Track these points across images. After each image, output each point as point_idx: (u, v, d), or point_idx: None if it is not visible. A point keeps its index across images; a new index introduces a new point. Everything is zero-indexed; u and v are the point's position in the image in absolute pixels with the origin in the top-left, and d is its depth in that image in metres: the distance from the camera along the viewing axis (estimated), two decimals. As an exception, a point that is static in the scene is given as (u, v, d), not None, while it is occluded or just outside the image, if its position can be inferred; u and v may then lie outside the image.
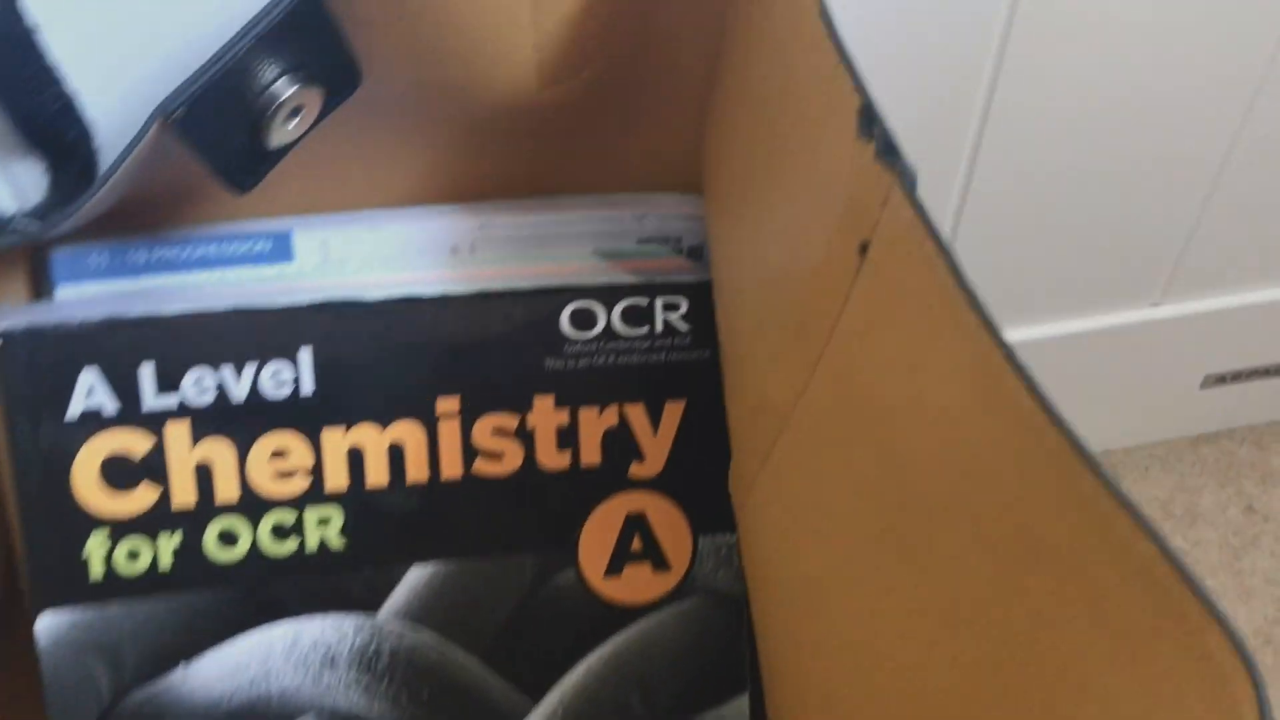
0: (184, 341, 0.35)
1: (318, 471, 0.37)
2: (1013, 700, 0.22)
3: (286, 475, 0.37)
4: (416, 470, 0.38)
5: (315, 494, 0.37)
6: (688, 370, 0.39)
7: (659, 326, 0.38)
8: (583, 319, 0.38)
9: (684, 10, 0.37)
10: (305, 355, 0.36)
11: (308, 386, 0.36)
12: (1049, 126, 0.51)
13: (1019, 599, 0.22)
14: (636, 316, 0.38)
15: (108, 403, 0.35)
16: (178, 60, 0.36)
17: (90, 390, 0.35)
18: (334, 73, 0.34)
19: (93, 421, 0.35)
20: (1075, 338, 0.62)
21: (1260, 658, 0.61)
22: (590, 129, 0.39)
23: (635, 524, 0.39)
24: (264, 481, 0.37)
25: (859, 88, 0.25)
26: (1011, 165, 0.52)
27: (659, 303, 0.38)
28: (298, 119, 0.34)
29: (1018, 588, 0.22)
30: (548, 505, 0.39)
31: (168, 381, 0.35)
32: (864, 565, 0.28)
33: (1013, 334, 0.60)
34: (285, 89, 0.33)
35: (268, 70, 0.33)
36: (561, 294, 0.38)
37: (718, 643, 0.41)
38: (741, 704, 0.41)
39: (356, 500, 0.37)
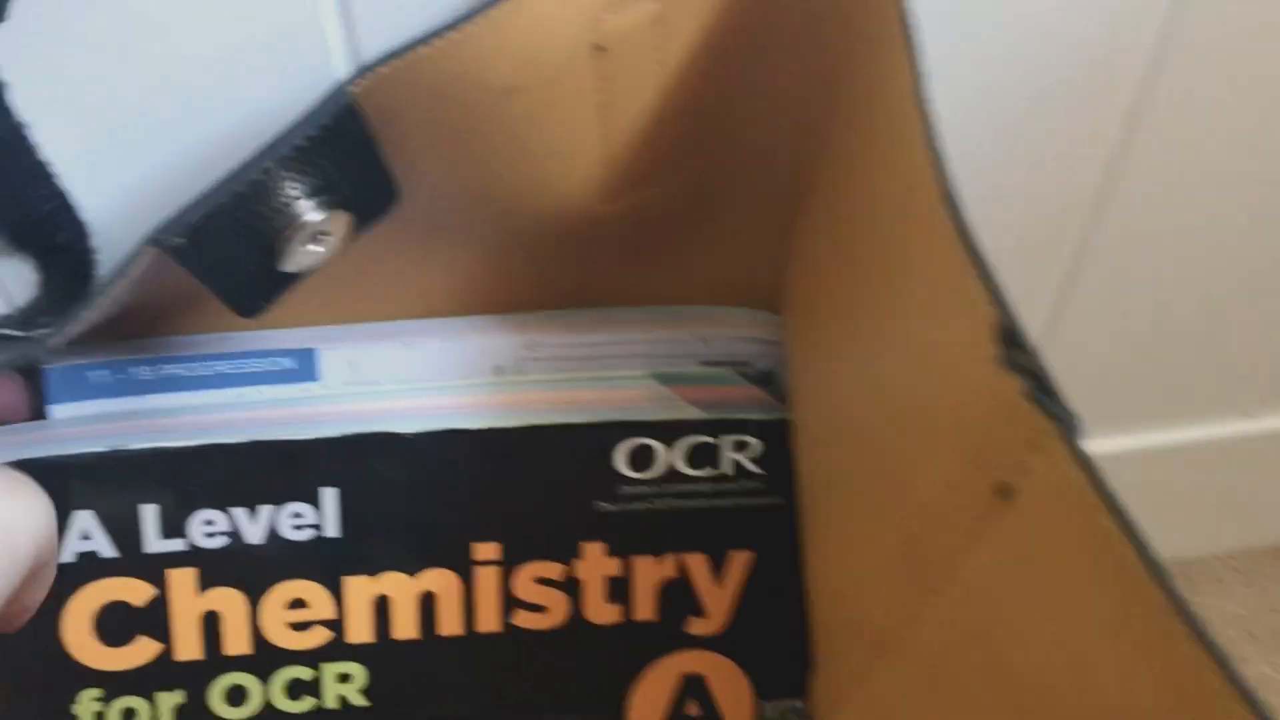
0: (193, 480, 0.31)
1: (339, 623, 0.33)
2: None
3: (303, 626, 0.33)
4: (450, 623, 0.33)
5: (335, 648, 0.33)
6: (758, 518, 0.34)
7: (727, 468, 0.34)
8: (641, 458, 0.33)
9: (769, 130, 0.32)
10: (329, 496, 0.32)
11: (331, 530, 0.32)
12: (1160, 235, 0.45)
13: None
14: (702, 456, 0.33)
15: (104, 546, 0.31)
16: (187, 155, 0.31)
17: (85, 533, 0.31)
18: (368, 193, 0.29)
19: (87, 567, 0.31)
20: (1166, 450, 0.56)
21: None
22: (652, 242, 0.34)
23: (692, 686, 0.35)
24: (278, 633, 0.32)
25: (998, 302, 0.20)
26: (1112, 273, 0.46)
27: (727, 441, 0.34)
28: (322, 245, 0.29)
29: None
30: (595, 663, 0.34)
31: (173, 524, 0.31)
32: None
33: (1098, 445, 0.55)
34: (308, 212, 0.28)
35: (289, 188, 0.28)
36: (618, 429, 0.33)
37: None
38: None
39: (382, 655, 0.33)
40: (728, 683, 0.35)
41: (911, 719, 0.26)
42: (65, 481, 0.31)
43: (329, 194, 0.28)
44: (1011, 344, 0.19)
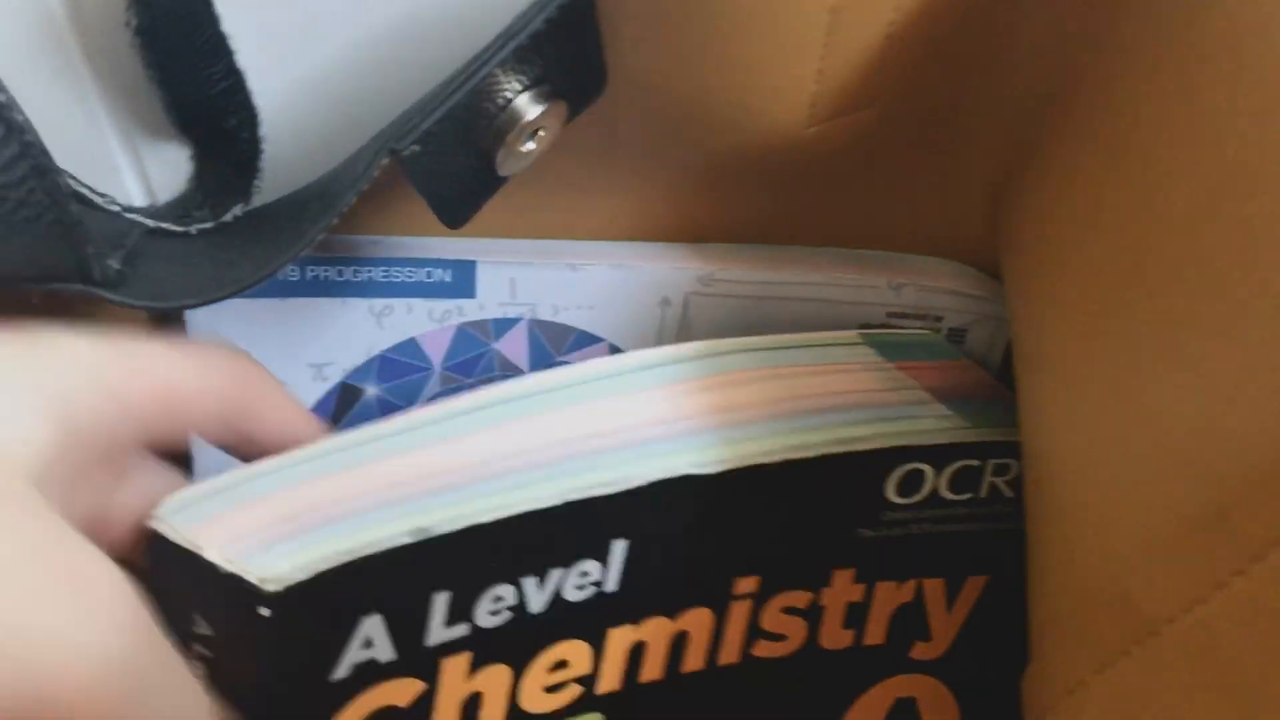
0: (501, 552, 0.25)
1: (592, 677, 0.28)
2: None
3: (557, 688, 0.28)
4: (694, 659, 0.29)
5: (584, 701, 0.28)
6: (1000, 542, 0.31)
7: (984, 492, 0.31)
8: (911, 483, 0.30)
9: (1025, 52, 0.29)
10: (619, 548, 0.27)
11: (612, 584, 0.27)
12: None
13: None
14: (966, 481, 0.30)
15: (385, 650, 0.25)
16: (366, 45, 0.27)
17: (369, 640, 0.25)
18: (583, 81, 0.26)
19: (365, 675, 0.25)
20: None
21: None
22: (850, 175, 0.31)
23: (903, 708, 0.32)
24: (532, 699, 0.27)
25: None
26: None
27: (990, 465, 0.31)
28: (535, 141, 0.25)
29: None
30: (819, 687, 0.31)
31: (461, 609, 0.25)
32: None
33: None
34: (531, 108, 0.24)
35: (511, 84, 0.24)
36: (895, 455, 0.29)
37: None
38: None
39: (624, 700, 0.29)
40: (937, 706, 0.32)
41: (1174, 713, 0.24)
42: (350, 582, 0.24)
43: (549, 84, 0.24)
44: None
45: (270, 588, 0.23)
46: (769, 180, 0.30)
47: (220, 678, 0.24)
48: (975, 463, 0.29)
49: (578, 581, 0.26)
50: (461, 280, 0.31)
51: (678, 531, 0.27)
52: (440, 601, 0.24)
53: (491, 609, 0.25)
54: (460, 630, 0.25)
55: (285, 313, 0.30)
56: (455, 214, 0.24)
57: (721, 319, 0.33)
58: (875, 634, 0.30)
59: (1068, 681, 0.26)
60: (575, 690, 0.27)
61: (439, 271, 0.30)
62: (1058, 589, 0.28)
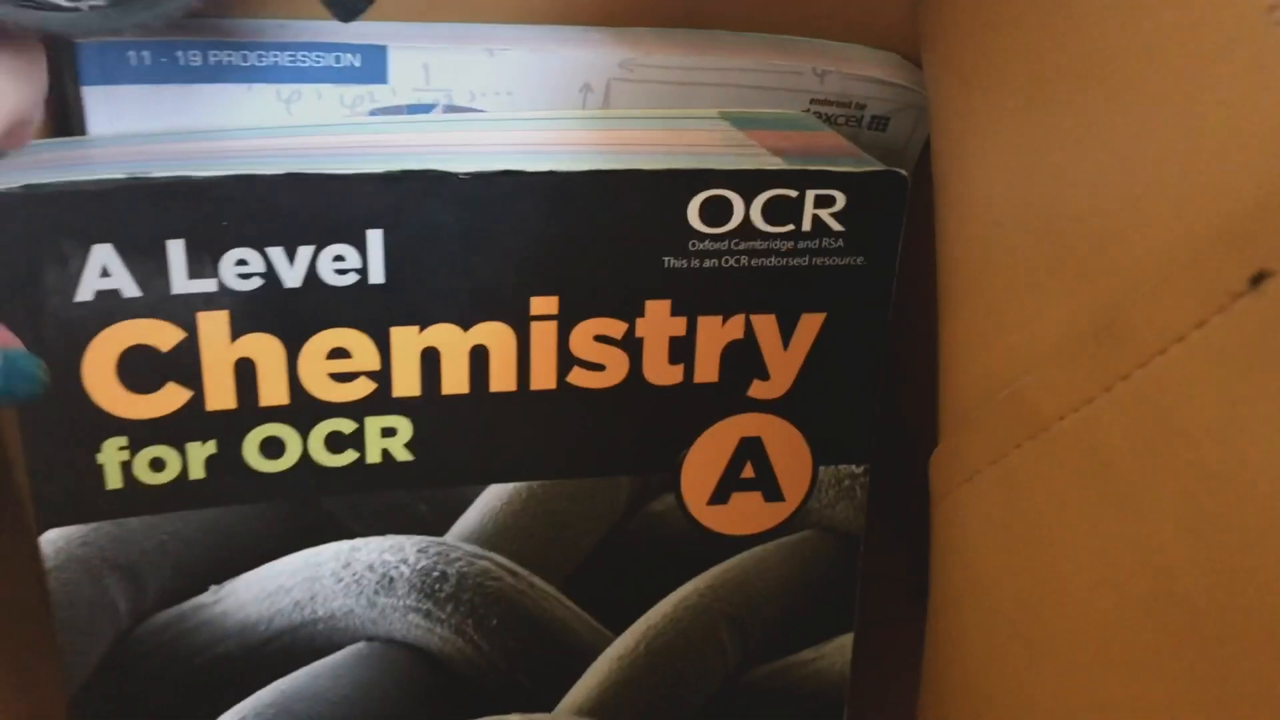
0: (225, 214, 0.28)
1: (384, 375, 0.30)
2: None
3: (346, 378, 0.30)
4: (502, 378, 0.31)
5: (380, 400, 0.30)
6: (835, 279, 0.32)
7: (807, 225, 0.31)
8: (715, 210, 0.30)
9: None
10: (374, 238, 0.29)
11: (376, 275, 0.29)
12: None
13: None
14: (781, 212, 0.31)
15: (127, 285, 0.28)
16: None
17: (105, 269, 0.27)
18: None
19: (109, 307, 0.28)
20: None
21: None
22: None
23: (748, 449, 0.33)
24: (317, 384, 0.30)
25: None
26: None
27: (810, 196, 0.31)
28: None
29: None
30: (652, 425, 0.33)
31: (202, 263, 0.28)
32: (1126, 643, 0.22)
33: None
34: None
35: None
36: (694, 177, 0.30)
37: (826, 579, 0.36)
38: (844, 643, 0.36)
39: (428, 409, 0.31)
40: (786, 446, 0.34)
41: (1057, 505, 0.25)
42: (83, 209, 0.27)
43: None
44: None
45: None
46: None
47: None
48: (791, 193, 0.30)
49: (335, 266, 0.29)
50: (372, 65, 0.31)
51: (447, 233, 0.29)
52: (176, 249, 0.28)
53: (239, 271, 0.29)
54: (208, 285, 0.29)
55: (188, 100, 0.30)
56: (348, 7, 0.24)
57: (643, 106, 0.33)
58: (707, 371, 0.31)
59: (965, 469, 0.28)
60: (367, 385, 0.30)
61: (348, 56, 0.31)
62: (961, 378, 0.29)
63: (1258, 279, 0.18)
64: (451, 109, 0.33)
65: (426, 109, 0.33)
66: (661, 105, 0.33)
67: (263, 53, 0.31)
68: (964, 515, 0.28)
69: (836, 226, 0.31)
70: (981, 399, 0.27)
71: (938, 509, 0.30)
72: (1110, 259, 0.22)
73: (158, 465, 0.30)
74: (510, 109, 0.33)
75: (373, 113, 0.32)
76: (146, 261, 0.28)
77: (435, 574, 0.33)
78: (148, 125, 0.31)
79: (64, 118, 0.31)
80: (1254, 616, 0.19)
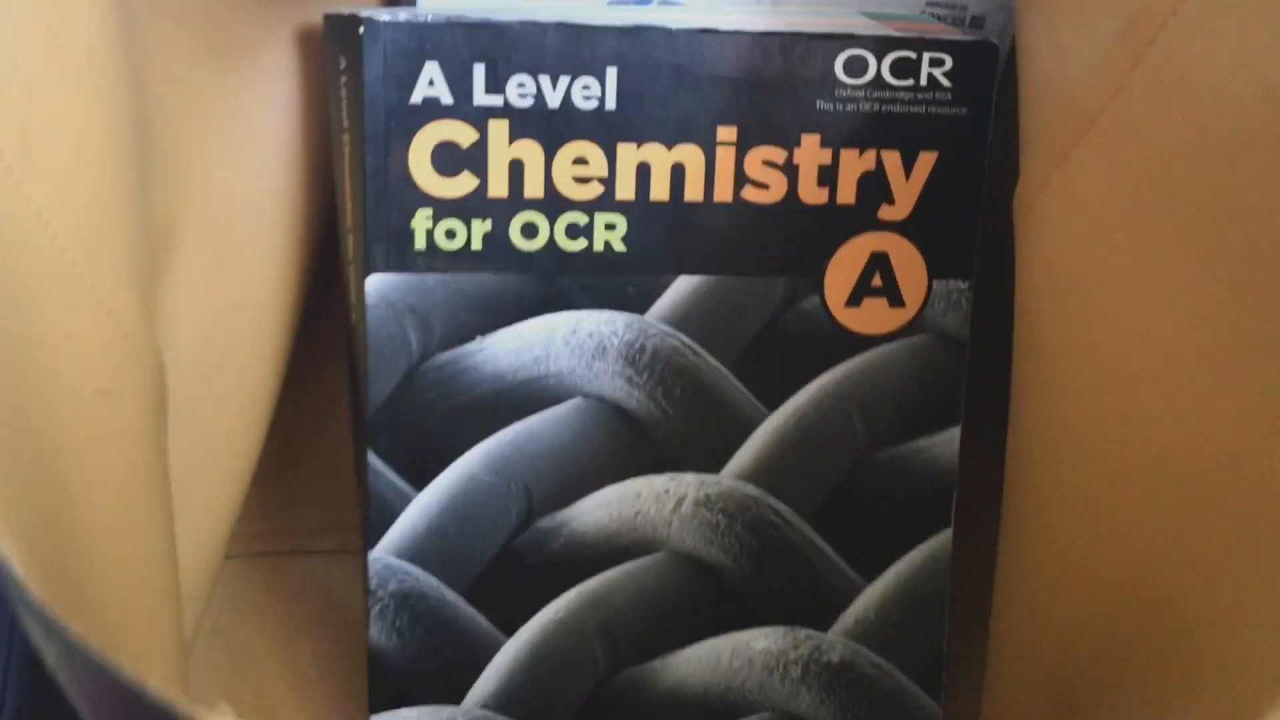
0: (512, 48, 0.40)
1: (610, 180, 0.42)
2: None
3: (584, 181, 0.42)
4: (693, 190, 0.42)
5: (606, 200, 0.42)
6: (945, 124, 0.43)
7: (923, 80, 0.42)
8: (856, 66, 0.42)
9: None
10: (611, 74, 0.41)
11: (610, 102, 0.41)
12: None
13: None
14: (904, 69, 0.42)
15: (444, 94, 0.40)
16: None
17: (431, 81, 0.40)
18: None
19: (431, 109, 0.41)
20: None
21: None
22: None
23: (878, 261, 0.44)
24: (564, 184, 0.42)
25: None
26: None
27: (926, 58, 0.42)
28: None
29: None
30: (803, 236, 0.43)
31: (494, 82, 0.41)
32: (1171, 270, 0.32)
33: None
34: None
35: None
36: (838, 40, 0.42)
37: (939, 379, 0.45)
38: (953, 435, 0.46)
39: (639, 210, 0.42)
40: (907, 260, 0.44)
41: (1105, 184, 0.34)
42: (419, 38, 0.40)
43: None
44: None
45: None
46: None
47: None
48: (911, 55, 0.41)
49: (584, 93, 0.41)
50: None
51: (661, 75, 0.42)
52: (479, 70, 0.41)
53: (519, 92, 0.41)
54: (497, 100, 0.41)
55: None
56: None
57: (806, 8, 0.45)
58: (846, 194, 0.42)
59: (1039, 180, 0.38)
60: (598, 188, 0.42)
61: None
62: (1031, 104, 0.39)
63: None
64: (665, 3, 0.46)
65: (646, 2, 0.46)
66: (821, 7, 0.46)
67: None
68: (1041, 222, 0.38)
69: (946, 83, 0.43)
70: (1041, 117, 0.38)
71: (1021, 233, 0.40)
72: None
73: (450, 234, 0.42)
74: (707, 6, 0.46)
75: (611, 4, 0.46)
76: (458, 78, 0.41)
77: (637, 346, 0.44)
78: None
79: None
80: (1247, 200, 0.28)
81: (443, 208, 0.42)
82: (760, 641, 0.45)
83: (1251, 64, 0.28)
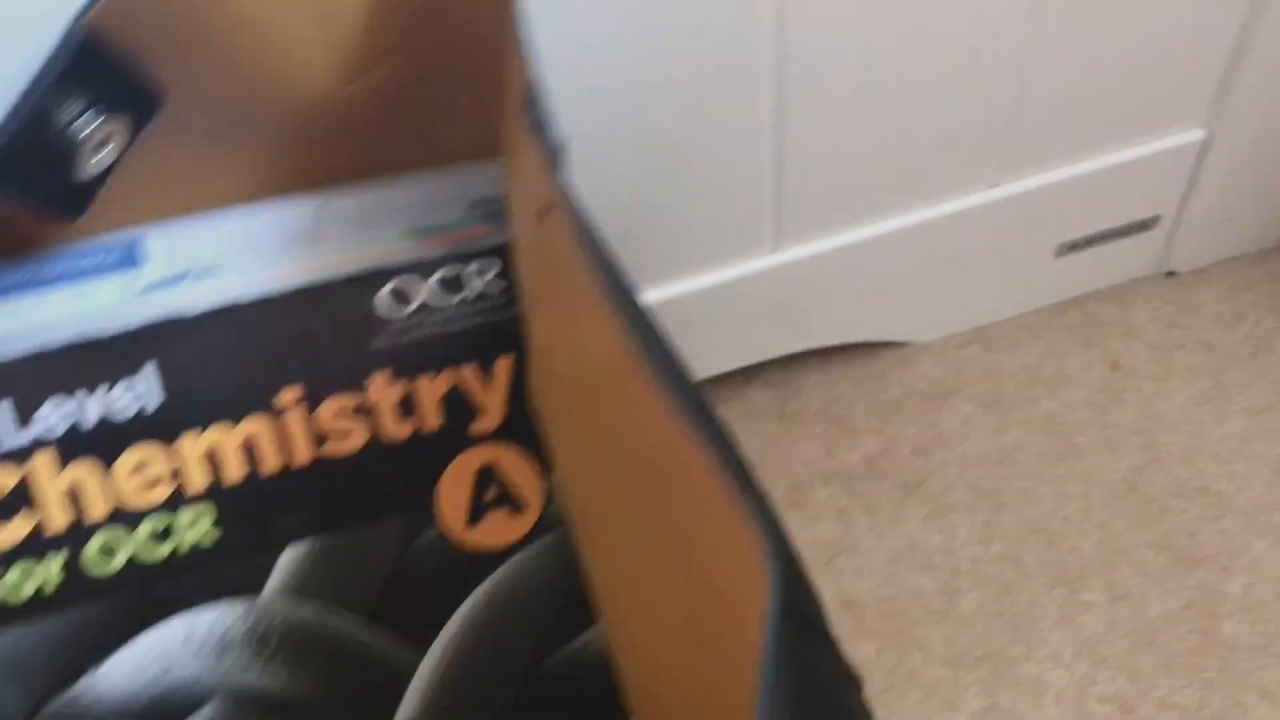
0: (35, 377, 0.38)
1: (179, 475, 0.40)
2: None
3: (152, 485, 0.40)
4: (271, 459, 0.40)
5: (179, 498, 0.40)
6: (512, 325, 0.42)
7: (479, 288, 0.41)
8: (401, 296, 0.41)
9: (466, 6, 0.40)
10: (150, 370, 0.39)
11: (156, 397, 0.39)
12: (847, 47, 0.54)
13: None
14: (453, 284, 0.41)
15: None
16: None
17: None
18: (133, 100, 0.37)
19: None
20: (923, 226, 0.65)
21: (1124, 503, 0.65)
22: (406, 113, 0.42)
23: (487, 476, 0.43)
24: (132, 494, 0.39)
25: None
26: (817, 82, 0.55)
27: (474, 265, 0.41)
28: (107, 148, 0.36)
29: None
30: (400, 473, 0.42)
31: (24, 417, 0.38)
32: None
33: (866, 229, 0.64)
34: (88, 124, 0.35)
35: (67, 110, 0.35)
36: (375, 277, 0.40)
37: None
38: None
39: (220, 497, 0.40)
40: (516, 465, 0.43)
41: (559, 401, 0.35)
42: None
43: (102, 104, 0.36)
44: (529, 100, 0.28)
45: None
46: (345, 128, 0.41)
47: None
48: (458, 268, 0.40)
49: (127, 395, 0.39)
50: (130, 255, 0.42)
51: (206, 358, 0.40)
52: (5, 409, 0.38)
53: (59, 415, 0.38)
54: (33, 432, 0.38)
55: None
56: (65, 210, 0.36)
57: (348, 239, 0.44)
58: (432, 421, 0.41)
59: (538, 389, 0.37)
60: (168, 488, 0.40)
61: (110, 254, 0.41)
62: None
63: (539, 214, 0.29)
64: (200, 276, 0.44)
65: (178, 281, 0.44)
66: (364, 235, 0.45)
67: (43, 266, 0.42)
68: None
69: (498, 287, 0.42)
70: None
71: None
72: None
73: (19, 585, 0.39)
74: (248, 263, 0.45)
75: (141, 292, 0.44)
76: None
77: (261, 631, 0.42)
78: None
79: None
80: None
81: (4, 557, 0.39)
82: None
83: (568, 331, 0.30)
